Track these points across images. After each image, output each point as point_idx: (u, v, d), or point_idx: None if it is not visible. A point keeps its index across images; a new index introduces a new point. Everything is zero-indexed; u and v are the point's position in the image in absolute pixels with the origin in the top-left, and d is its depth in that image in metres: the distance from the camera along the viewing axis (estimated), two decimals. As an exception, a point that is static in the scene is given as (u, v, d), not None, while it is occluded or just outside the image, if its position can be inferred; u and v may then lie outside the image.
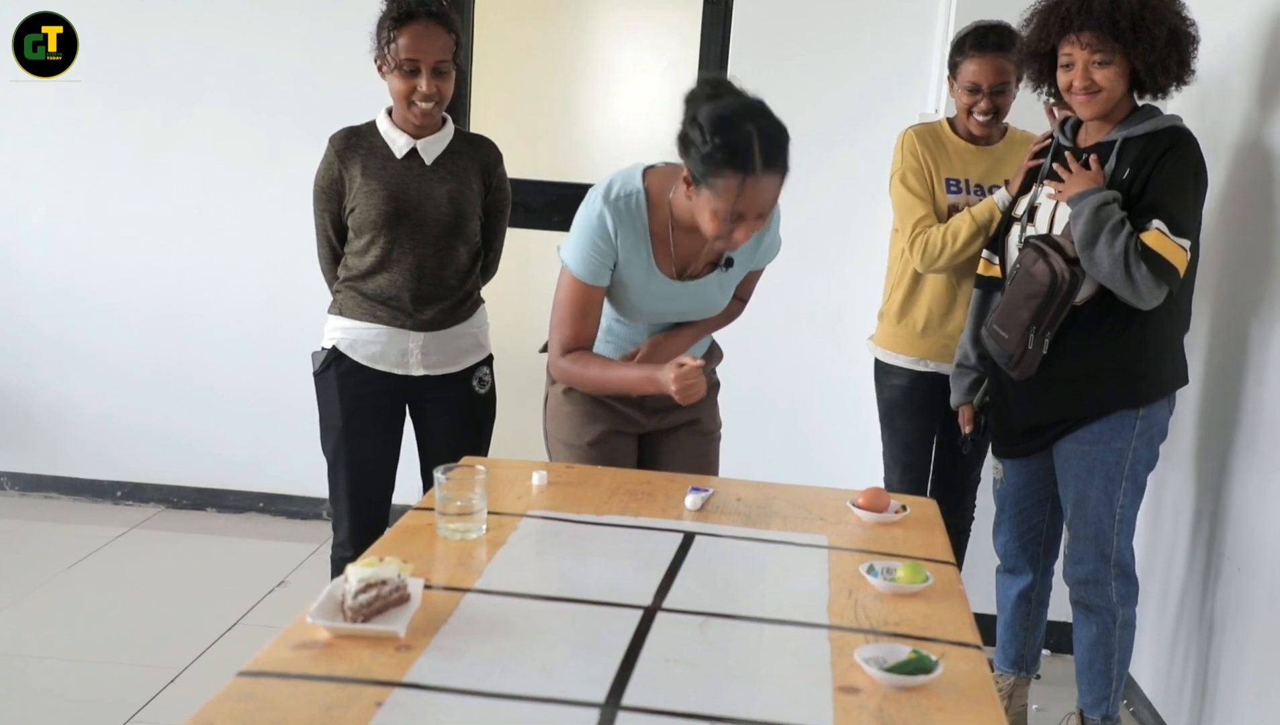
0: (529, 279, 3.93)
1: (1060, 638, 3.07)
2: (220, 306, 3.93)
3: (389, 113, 2.48)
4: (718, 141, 1.92)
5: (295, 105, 3.75)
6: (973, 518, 3.01)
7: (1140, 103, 2.35)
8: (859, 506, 1.97)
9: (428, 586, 1.54)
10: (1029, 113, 2.70)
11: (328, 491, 2.61)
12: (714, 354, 2.43)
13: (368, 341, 2.50)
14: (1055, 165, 2.38)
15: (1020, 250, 2.40)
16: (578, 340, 2.19)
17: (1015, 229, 2.46)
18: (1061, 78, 2.32)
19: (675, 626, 1.51)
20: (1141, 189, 2.26)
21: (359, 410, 2.51)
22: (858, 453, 3.77)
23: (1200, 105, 2.71)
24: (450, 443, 2.53)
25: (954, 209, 2.72)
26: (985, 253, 2.60)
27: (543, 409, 2.38)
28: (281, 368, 3.71)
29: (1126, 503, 2.40)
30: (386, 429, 2.57)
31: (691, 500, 1.97)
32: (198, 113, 3.84)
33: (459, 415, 2.60)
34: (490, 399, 2.66)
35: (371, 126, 2.49)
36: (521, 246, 3.98)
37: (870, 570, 1.67)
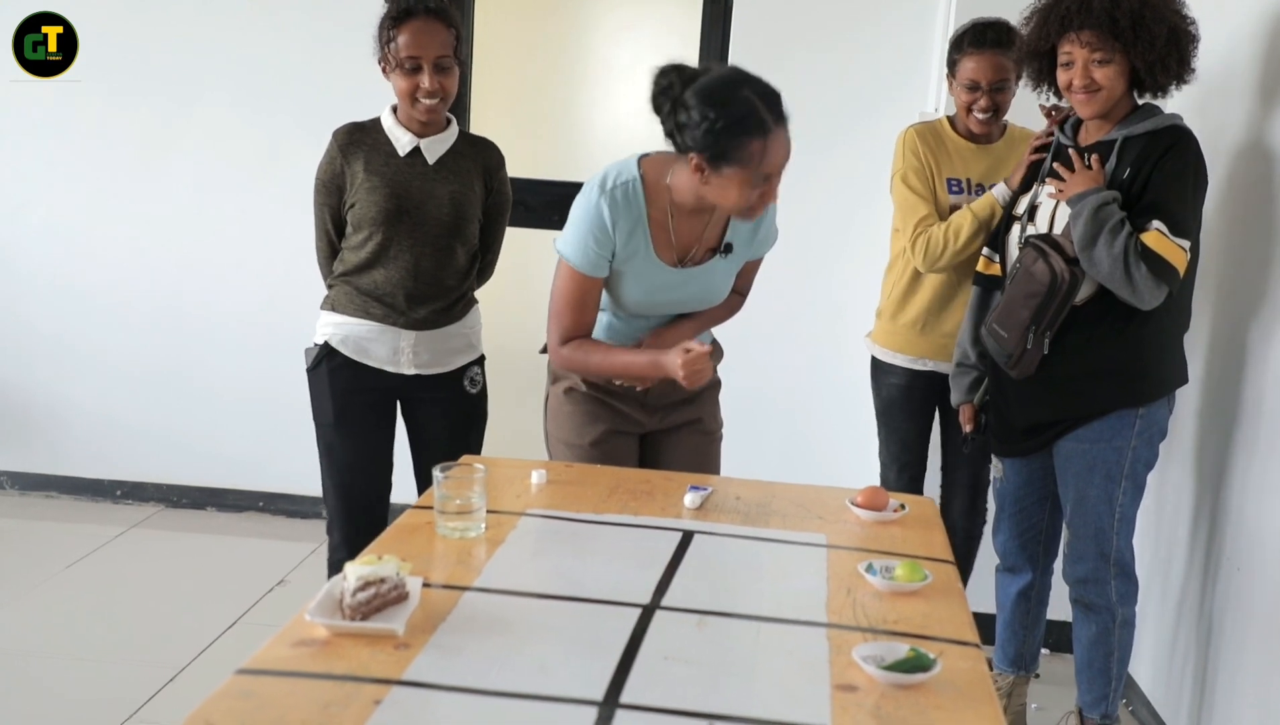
0: (529, 278, 3.93)
1: (1059, 637, 3.07)
2: (221, 306, 3.93)
3: (394, 110, 2.48)
4: (723, 116, 1.94)
5: (295, 105, 3.75)
6: (984, 521, 2.98)
7: (1140, 101, 2.35)
8: (858, 505, 1.97)
9: (426, 585, 1.54)
10: (1029, 111, 2.70)
11: (323, 490, 2.60)
12: (715, 352, 2.42)
13: (360, 337, 2.50)
14: (1056, 165, 2.38)
15: (1020, 249, 2.40)
16: (577, 329, 2.19)
17: (1015, 228, 2.46)
18: (1061, 76, 2.32)
19: (674, 625, 1.51)
20: (1142, 188, 2.25)
21: (350, 406, 2.51)
22: (857, 452, 3.77)
23: (1201, 104, 2.71)
24: (442, 442, 2.53)
25: (955, 209, 2.72)
26: (985, 251, 2.60)
27: (543, 409, 2.38)
28: (282, 367, 3.71)
29: (1126, 502, 2.40)
30: (377, 425, 2.57)
31: (690, 499, 1.97)
32: (198, 112, 3.85)
33: (451, 415, 2.59)
34: (482, 399, 2.66)
35: (376, 123, 2.49)
36: (521, 246, 3.98)
37: (869, 569, 1.67)
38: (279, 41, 3.78)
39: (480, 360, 2.65)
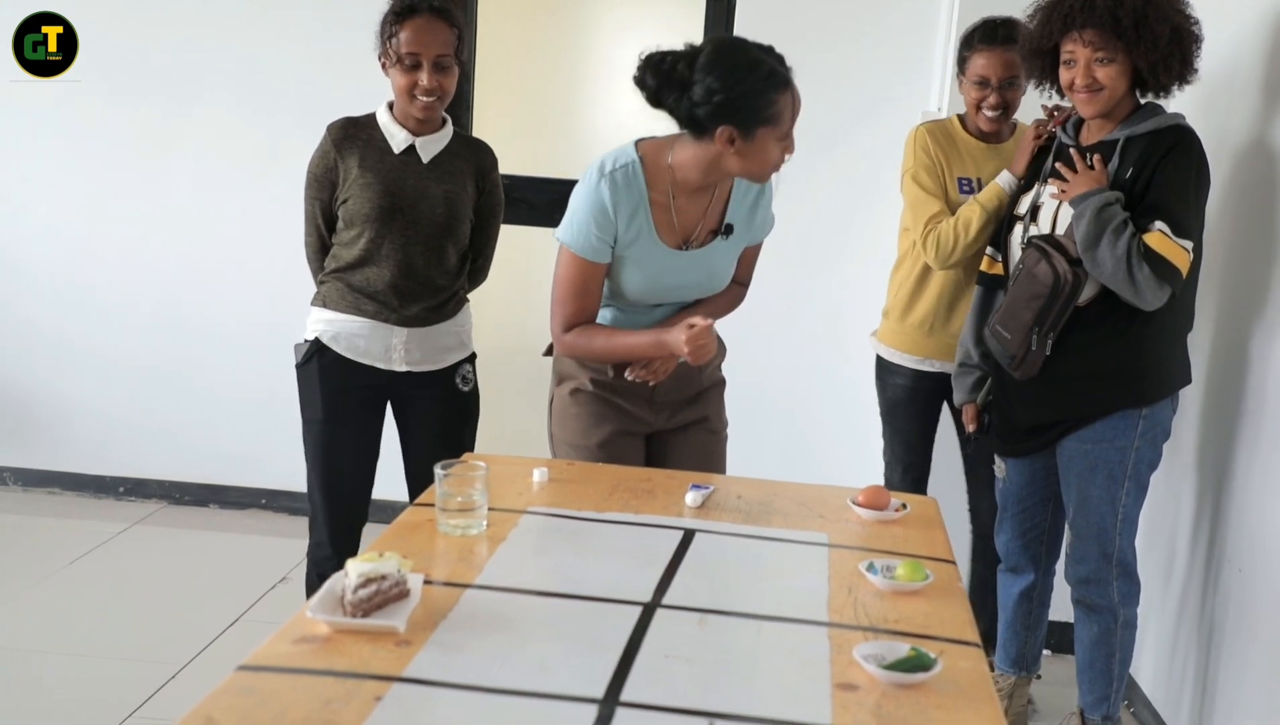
0: (531, 276, 3.92)
1: (1061, 637, 3.07)
2: (222, 303, 3.93)
3: (390, 107, 2.48)
4: (747, 80, 1.98)
5: (295, 104, 3.75)
6: None
7: (1143, 101, 2.35)
8: (859, 504, 1.97)
9: (428, 582, 1.54)
10: (1038, 111, 2.69)
11: (307, 487, 2.59)
12: (717, 351, 2.42)
13: (352, 334, 2.49)
14: (1058, 165, 2.37)
15: (1023, 250, 2.40)
16: (580, 316, 2.18)
17: (1018, 228, 2.46)
18: (1063, 75, 2.32)
19: (674, 623, 1.51)
20: (1144, 189, 2.25)
21: (340, 403, 2.51)
22: (858, 451, 3.77)
23: (1204, 104, 2.71)
24: (434, 440, 2.54)
25: None
26: (989, 250, 2.60)
27: (547, 410, 2.36)
28: (283, 364, 3.69)
29: (1129, 502, 2.40)
30: (367, 423, 2.56)
31: (692, 497, 1.97)
32: (198, 112, 3.85)
33: (442, 413, 2.59)
34: (474, 397, 2.65)
35: (371, 119, 2.49)
36: (523, 244, 3.98)
37: (870, 568, 1.66)
38: (279, 41, 3.79)
39: (471, 358, 2.65)
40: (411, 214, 2.45)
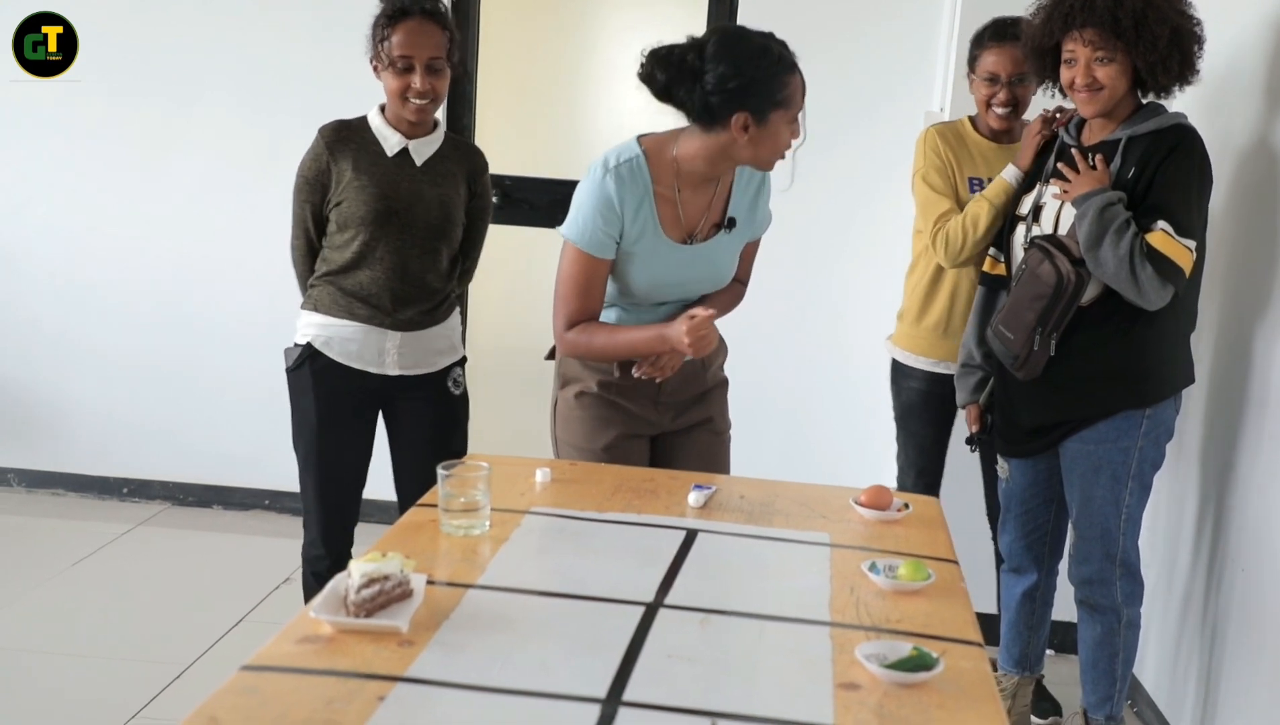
0: (532, 277, 3.92)
1: (1064, 637, 3.07)
2: (225, 303, 3.94)
3: (382, 110, 2.48)
4: (759, 65, 2.01)
5: (296, 104, 3.75)
6: None
7: (1145, 101, 2.35)
8: (861, 504, 1.97)
9: (430, 582, 1.54)
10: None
11: (299, 488, 2.59)
12: (719, 350, 2.42)
13: (345, 339, 2.48)
14: (1060, 165, 2.37)
15: (1025, 250, 2.40)
16: (583, 313, 2.18)
17: (1020, 228, 2.46)
18: (1064, 74, 2.32)
19: (677, 623, 1.51)
20: (1146, 188, 2.25)
21: (334, 408, 2.50)
22: (860, 450, 3.77)
23: (1208, 105, 2.70)
24: (426, 443, 2.54)
25: None
26: (991, 250, 2.59)
27: (551, 413, 2.35)
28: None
29: (1133, 502, 2.40)
30: (360, 427, 2.57)
31: (694, 498, 1.97)
32: (198, 112, 3.86)
33: (434, 416, 2.59)
34: (464, 400, 2.66)
35: (363, 122, 2.48)
36: (525, 244, 3.99)
37: (872, 568, 1.67)
38: (279, 41, 3.79)
39: (462, 361, 2.65)
40: (406, 217, 2.44)
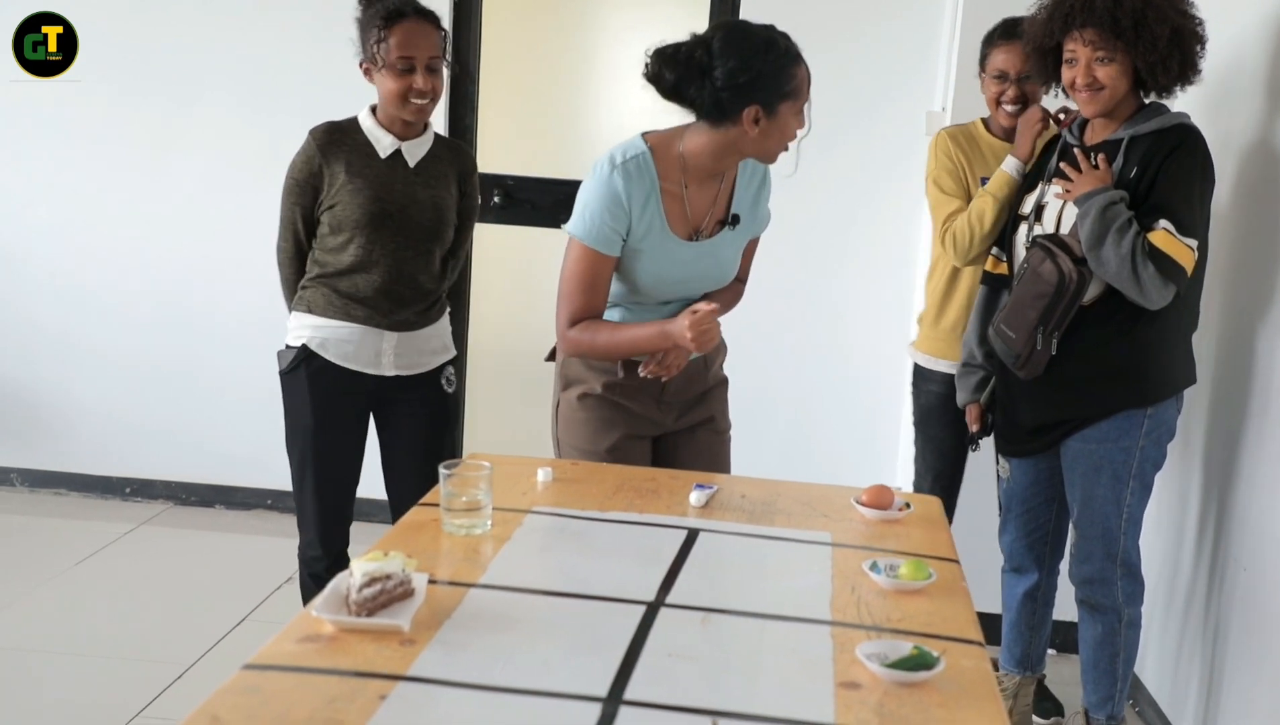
0: (534, 277, 3.93)
1: (1066, 637, 3.07)
2: (227, 303, 3.94)
3: (373, 111, 2.47)
4: (768, 57, 2.03)
5: (297, 103, 3.74)
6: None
7: (1147, 101, 2.35)
8: (863, 503, 1.97)
9: (432, 581, 1.54)
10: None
11: (293, 490, 2.59)
12: (720, 349, 2.42)
13: (341, 340, 2.47)
14: (1063, 164, 2.37)
15: (1027, 249, 2.40)
16: (587, 311, 2.17)
17: (1023, 227, 2.46)
18: (1065, 74, 2.32)
19: (678, 622, 1.51)
20: (1148, 188, 2.25)
21: (331, 409, 2.50)
22: (862, 450, 3.77)
23: (1210, 105, 2.70)
24: (421, 441, 2.55)
25: None
26: (993, 250, 2.60)
27: (553, 414, 2.35)
28: (289, 365, 3.73)
29: (1134, 502, 2.40)
30: (355, 427, 2.56)
31: (696, 497, 1.97)
32: (199, 112, 3.86)
33: (428, 415, 2.60)
34: (455, 399, 2.67)
35: (354, 123, 2.47)
36: (528, 245, 3.99)
37: (873, 567, 1.67)
38: (279, 41, 3.79)
39: (454, 360, 2.67)
40: (401, 219, 2.44)
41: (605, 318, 2.23)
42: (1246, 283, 2.58)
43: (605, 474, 2.12)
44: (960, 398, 2.71)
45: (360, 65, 2.44)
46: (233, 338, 3.94)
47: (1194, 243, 2.23)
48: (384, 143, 2.44)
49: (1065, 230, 2.34)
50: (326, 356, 2.48)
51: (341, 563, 2.43)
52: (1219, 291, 2.66)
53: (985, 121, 2.81)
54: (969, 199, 2.70)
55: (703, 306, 2.06)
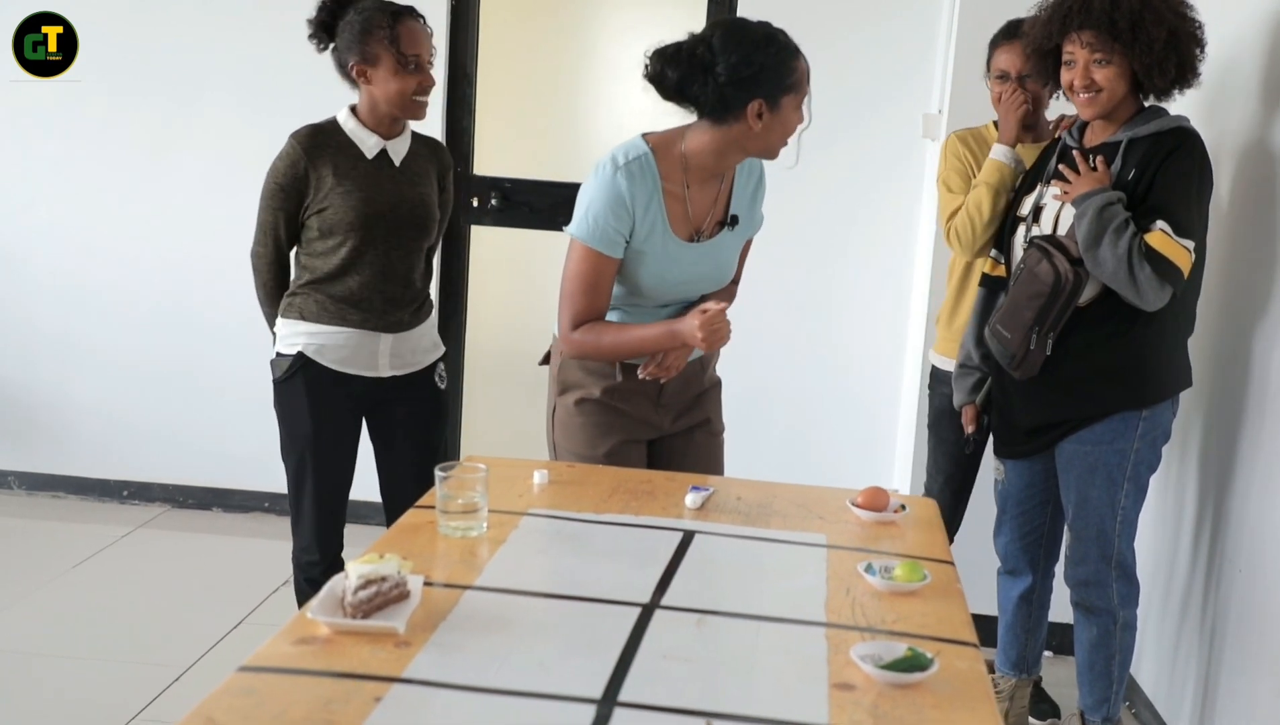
0: (532, 280, 3.94)
1: (1062, 639, 3.07)
2: (225, 305, 3.93)
3: (353, 111, 2.46)
4: (770, 51, 2.04)
5: (296, 104, 3.72)
6: None
7: (1147, 104, 2.35)
8: (858, 505, 1.97)
9: (428, 583, 1.54)
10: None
11: (289, 496, 2.58)
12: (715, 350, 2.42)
13: (338, 346, 2.46)
14: (1061, 166, 2.38)
15: (1025, 250, 2.40)
16: (590, 313, 2.16)
17: (1021, 229, 2.46)
18: (1064, 75, 2.33)
19: (673, 624, 1.51)
20: (1146, 190, 2.25)
21: (329, 416, 2.49)
22: (858, 452, 3.77)
23: (1204, 107, 2.71)
24: (418, 439, 2.56)
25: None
26: (992, 252, 2.60)
27: (548, 419, 2.33)
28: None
29: (1129, 504, 2.40)
30: (351, 432, 2.57)
31: (691, 499, 1.98)
32: (199, 112, 3.86)
33: (425, 412, 2.60)
34: (446, 395, 2.68)
35: (334, 125, 2.45)
36: (526, 247, 3.99)
37: (868, 569, 1.67)
38: (279, 41, 3.78)
39: (445, 356, 2.68)
40: (392, 218, 2.44)
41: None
42: (1242, 285, 2.58)
43: (601, 476, 2.12)
44: (957, 399, 2.71)
45: (349, 68, 2.41)
46: (231, 340, 3.94)
47: (1191, 244, 2.23)
48: (369, 143, 2.44)
49: (1063, 232, 2.35)
50: (323, 362, 2.47)
51: (337, 566, 2.43)
52: (1215, 294, 2.66)
53: (997, 124, 2.81)
54: None
55: (712, 305, 2.07)
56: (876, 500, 1.97)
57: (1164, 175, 2.24)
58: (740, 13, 3.62)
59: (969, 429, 2.70)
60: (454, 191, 2.67)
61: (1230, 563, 2.53)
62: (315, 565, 2.54)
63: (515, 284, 4.06)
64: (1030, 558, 2.66)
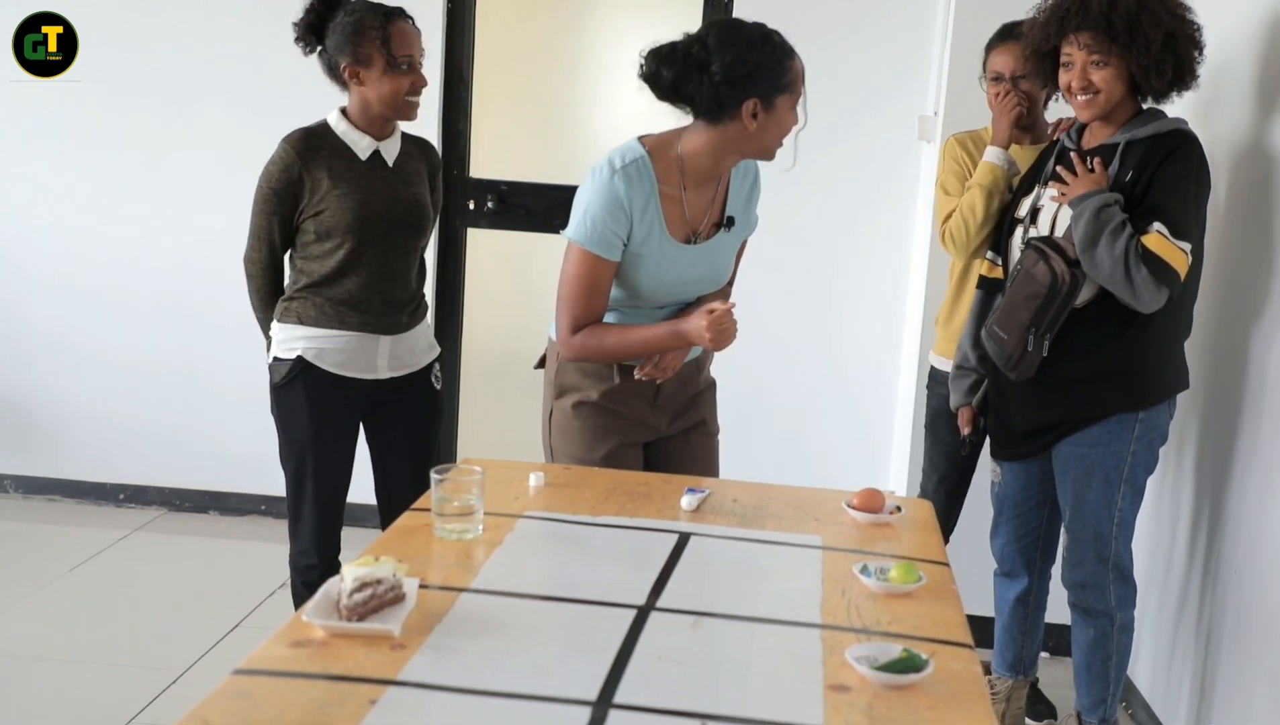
0: (530, 282, 3.94)
1: (1059, 640, 3.07)
2: (223, 307, 3.93)
3: (344, 113, 2.46)
4: (764, 50, 2.05)
5: (296, 104, 3.73)
6: None
7: (1145, 106, 2.35)
8: (853, 507, 1.97)
9: (423, 586, 1.54)
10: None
11: (288, 500, 2.58)
12: (707, 352, 2.42)
13: (338, 349, 2.46)
14: (1059, 168, 2.38)
15: (1022, 251, 2.41)
16: (589, 317, 2.16)
17: (1018, 231, 2.47)
18: (1062, 77, 2.33)
19: (668, 626, 1.51)
20: (1144, 191, 2.25)
21: (329, 419, 2.49)
22: (853, 454, 3.78)
23: (1201, 107, 2.71)
24: (416, 439, 2.57)
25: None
26: (989, 254, 2.60)
27: (545, 422, 2.33)
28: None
29: (1125, 506, 2.40)
30: (350, 435, 2.57)
31: (687, 501, 1.98)
32: (198, 113, 3.86)
33: (423, 412, 2.61)
34: (442, 395, 2.69)
35: (325, 128, 2.45)
36: (524, 250, 4.00)
37: (864, 570, 1.67)
38: (279, 41, 3.77)
39: (441, 356, 2.68)
40: (389, 219, 2.44)
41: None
42: (1239, 287, 2.58)
43: (597, 478, 2.12)
44: (953, 400, 2.71)
45: (341, 70, 2.41)
46: (229, 342, 3.93)
47: (1187, 246, 2.23)
48: (361, 145, 2.44)
49: (1060, 233, 2.35)
50: (323, 366, 2.46)
51: (334, 570, 2.43)
52: (1212, 295, 2.66)
53: None
54: None
55: (719, 305, 2.07)
56: (872, 502, 1.97)
57: (1161, 177, 2.24)
58: (736, 14, 3.63)
59: (965, 431, 2.70)
60: (449, 194, 2.68)
61: (1227, 564, 2.53)
62: (313, 569, 2.53)
63: (512, 286, 4.06)
64: (1027, 560, 2.66)
